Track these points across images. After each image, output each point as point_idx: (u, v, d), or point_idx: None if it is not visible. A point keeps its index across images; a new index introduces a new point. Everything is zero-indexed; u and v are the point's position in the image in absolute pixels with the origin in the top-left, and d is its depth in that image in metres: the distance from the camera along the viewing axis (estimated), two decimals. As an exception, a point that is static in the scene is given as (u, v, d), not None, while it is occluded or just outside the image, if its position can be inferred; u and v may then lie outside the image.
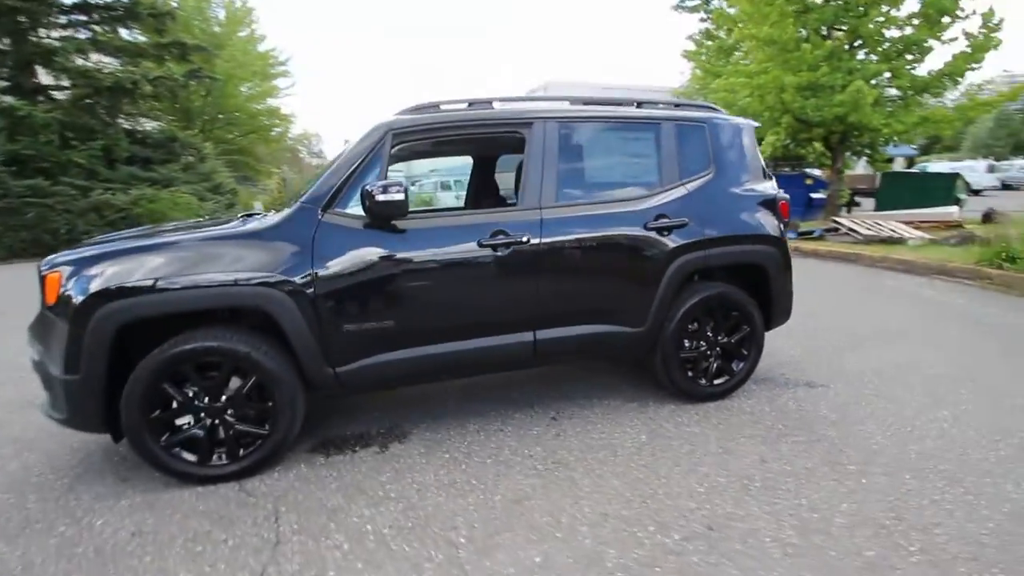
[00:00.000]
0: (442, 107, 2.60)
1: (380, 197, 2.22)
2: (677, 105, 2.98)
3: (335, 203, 2.35)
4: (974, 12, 12.23)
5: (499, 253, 2.49)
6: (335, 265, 2.28)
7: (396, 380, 2.54)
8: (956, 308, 5.13)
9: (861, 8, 11.17)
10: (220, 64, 18.76)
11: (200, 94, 19.50)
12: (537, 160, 2.61)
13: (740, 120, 3.07)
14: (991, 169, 25.89)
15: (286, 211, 2.34)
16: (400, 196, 2.23)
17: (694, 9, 14.34)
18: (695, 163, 2.89)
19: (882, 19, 12.15)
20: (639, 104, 2.93)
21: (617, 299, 2.75)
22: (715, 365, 3.02)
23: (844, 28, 12.56)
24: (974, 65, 11.64)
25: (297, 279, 2.22)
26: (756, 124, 3.14)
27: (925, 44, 11.84)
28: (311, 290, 2.24)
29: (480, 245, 2.47)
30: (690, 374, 2.97)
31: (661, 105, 2.96)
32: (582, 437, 2.66)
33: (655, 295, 2.76)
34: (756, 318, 3.03)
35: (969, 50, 12.10)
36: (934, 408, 2.91)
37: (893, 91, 12.04)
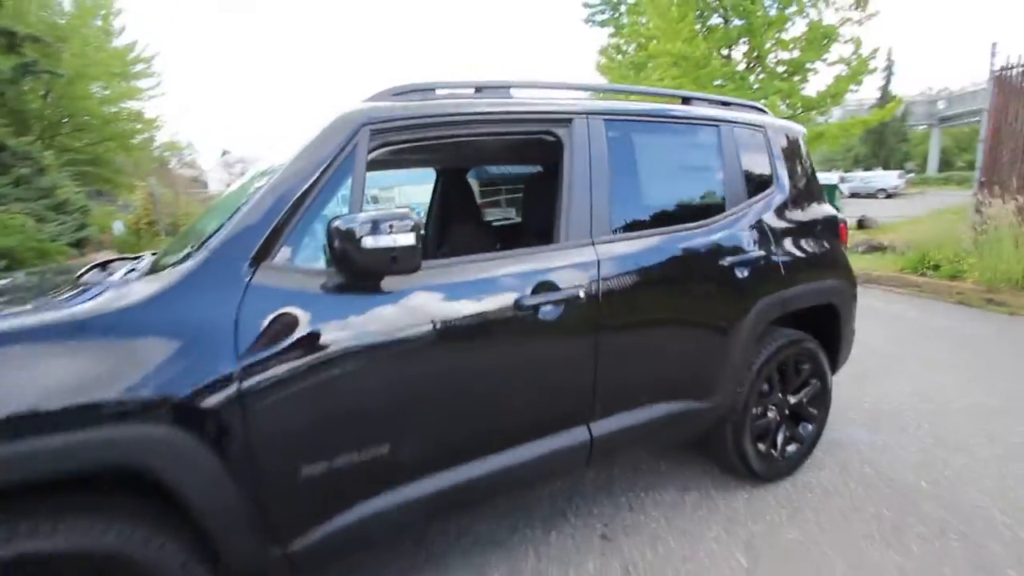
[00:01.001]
0: (439, 91, 1.68)
1: (369, 241, 1.26)
2: (726, 103, 2.31)
3: (274, 251, 1.33)
4: (850, 39, 13.45)
5: (546, 317, 1.61)
6: (283, 365, 1.25)
7: (387, 534, 1.53)
8: (914, 321, 5.06)
9: (764, 25, 11.74)
10: (66, 60, 15.63)
11: (38, 93, 16.12)
12: (583, 172, 1.78)
13: (796, 125, 2.48)
14: (841, 180, 29.59)
15: (179, 268, 1.28)
16: (410, 238, 1.29)
17: (603, 23, 14.40)
18: (758, 178, 2.23)
19: (774, 41, 12.95)
20: (685, 100, 2.21)
21: (690, 364, 1.99)
22: (784, 432, 2.37)
23: (745, 48, 13.24)
24: (854, 87, 12.79)
25: (206, 400, 1.17)
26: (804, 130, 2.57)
27: (809, 67, 12.84)
28: (235, 416, 1.20)
29: (519, 307, 1.57)
30: (761, 447, 2.29)
31: (707, 103, 2.26)
32: (656, 567, 1.85)
33: (731, 352, 2.04)
34: (827, 369, 2.44)
35: (848, 73, 13.25)
36: (1014, 457, 2.50)
37: (783, 108, 12.85)
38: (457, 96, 1.71)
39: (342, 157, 1.42)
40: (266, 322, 1.24)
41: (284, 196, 1.35)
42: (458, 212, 2.86)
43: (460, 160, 2.83)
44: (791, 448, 2.40)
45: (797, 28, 13.32)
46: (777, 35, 12.91)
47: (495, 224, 3.32)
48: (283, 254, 1.32)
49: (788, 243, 2.21)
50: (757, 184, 2.22)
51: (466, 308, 1.50)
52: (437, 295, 1.47)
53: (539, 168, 2.70)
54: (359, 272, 1.31)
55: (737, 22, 12.86)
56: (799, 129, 2.48)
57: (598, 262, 1.72)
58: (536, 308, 1.59)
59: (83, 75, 17.02)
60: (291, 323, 1.27)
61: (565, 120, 1.79)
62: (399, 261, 1.29)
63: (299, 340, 1.27)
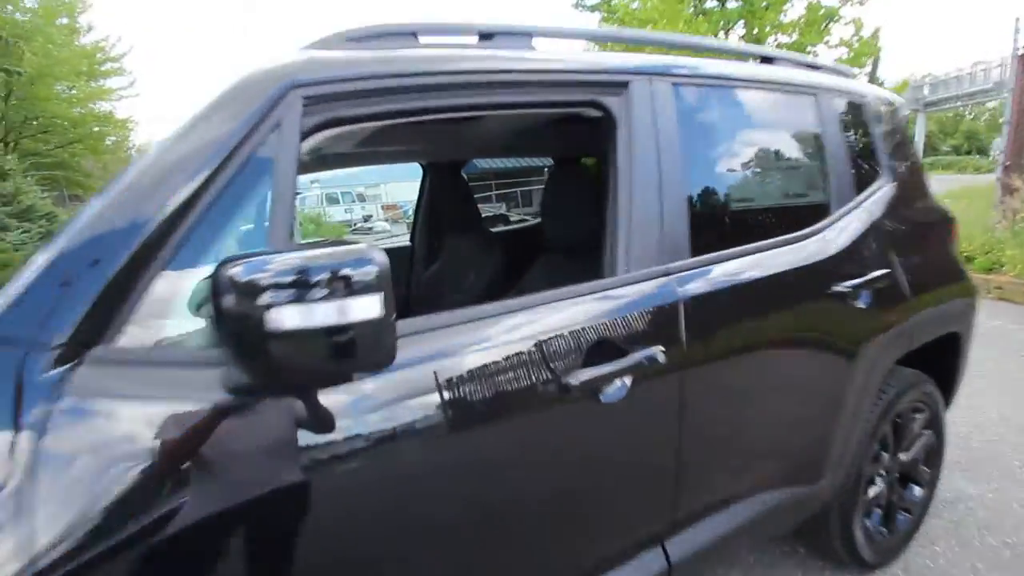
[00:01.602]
0: (423, 39, 1.04)
1: (287, 317, 0.62)
2: (814, 67, 1.70)
3: (114, 325, 0.69)
4: (850, 21, 12.95)
5: (609, 399, 1.00)
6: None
7: None
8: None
9: (764, 5, 11.20)
10: (28, 59, 14.67)
11: (-2, 94, 15.19)
12: (648, 163, 1.16)
13: (897, 97, 1.88)
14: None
15: None
16: (372, 306, 0.65)
17: (593, 8, 13.75)
18: (864, 166, 1.63)
19: (772, 25, 12.44)
20: (766, 60, 1.59)
21: (799, 434, 1.41)
22: (895, 501, 1.80)
23: (743, 32, 12.68)
24: (856, 70, 12.32)
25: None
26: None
27: (810, 50, 12.33)
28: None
29: (565, 391, 0.96)
30: (868, 525, 1.70)
31: (794, 64, 1.65)
32: None
33: (846, 410, 1.45)
34: (943, 416, 1.86)
35: (851, 55, 12.76)
36: None
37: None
38: (451, 47, 1.09)
39: (253, 143, 0.79)
40: (66, 483, 0.61)
41: (136, 219, 0.72)
42: (452, 220, 2.24)
43: (454, 149, 2.19)
44: (900, 519, 1.82)
45: (796, 11, 12.79)
46: (777, 18, 12.38)
47: (498, 231, 2.70)
48: (131, 333, 0.69)
49: (906, 254, 1.61)
50: (863, 175, 1.61)
51: (475, 406, 0.88)
52: (426, 386, 0.85)
53: (568, 157, 2.08)
54: (273, 373, 0.68)
55: (735, 3, 12.29)
56: (901, 100, 1.89)
57: (681, 304, 1.10)
58: (593, 389, 0.98)
59: (47, 75, 16.02)
60: (148, 488, 0.64)
61: (618, 84, 1.16)
62: (354, 351, 0.66)
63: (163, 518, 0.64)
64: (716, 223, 1.30)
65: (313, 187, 17.38)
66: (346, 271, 0.64)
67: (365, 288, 0.65)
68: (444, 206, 2.26)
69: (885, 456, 1.72)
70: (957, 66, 22.19)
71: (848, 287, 1.39)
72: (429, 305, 2.30)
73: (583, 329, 1.00)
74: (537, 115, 1.33)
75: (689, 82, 1.26)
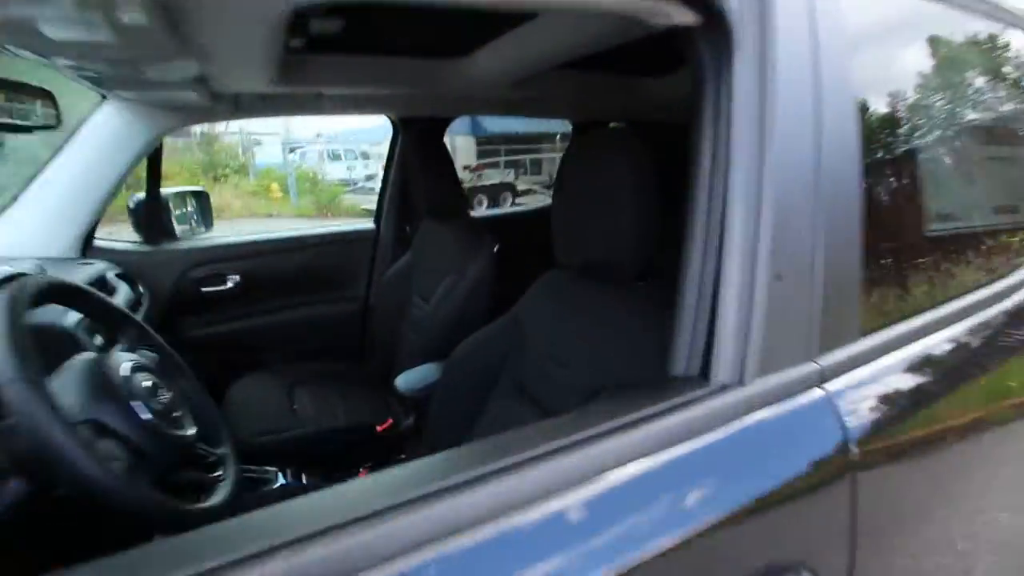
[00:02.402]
0: None
1: None
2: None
3: None
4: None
5: None
6: None
7: None
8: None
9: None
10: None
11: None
12: (803, 129, 0.52)
13: None
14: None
15: None
16: None
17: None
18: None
19: None
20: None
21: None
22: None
23: None
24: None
25: None
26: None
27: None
28: None
29: None
30: None
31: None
32: None
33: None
34: None
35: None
36: None
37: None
38: None
39: None
40: None
41: None
42: (429, 199, 1.59)
43: (434, 101, 1.53)
44: None
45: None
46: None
47: (489, 217, 2.06)
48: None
49: None
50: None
51: None
52: None
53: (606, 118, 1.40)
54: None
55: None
56: None
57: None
58: None
59: None
60: None
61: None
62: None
63: None
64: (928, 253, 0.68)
65: (318, 141, 16.55)
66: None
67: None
68: (419, 179, 1.61)
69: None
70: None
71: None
72: (390, 315, 1.70)
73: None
74: (564, 31, 0.71)
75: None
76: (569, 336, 0.94)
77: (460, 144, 15.58)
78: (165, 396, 0.71)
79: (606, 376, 0.82)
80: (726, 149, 0.55)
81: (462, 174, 12.63)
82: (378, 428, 1.36)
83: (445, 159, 1.63)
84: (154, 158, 1.58)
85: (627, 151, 0.81)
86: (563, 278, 1.03)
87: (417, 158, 1.59)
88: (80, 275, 1.30)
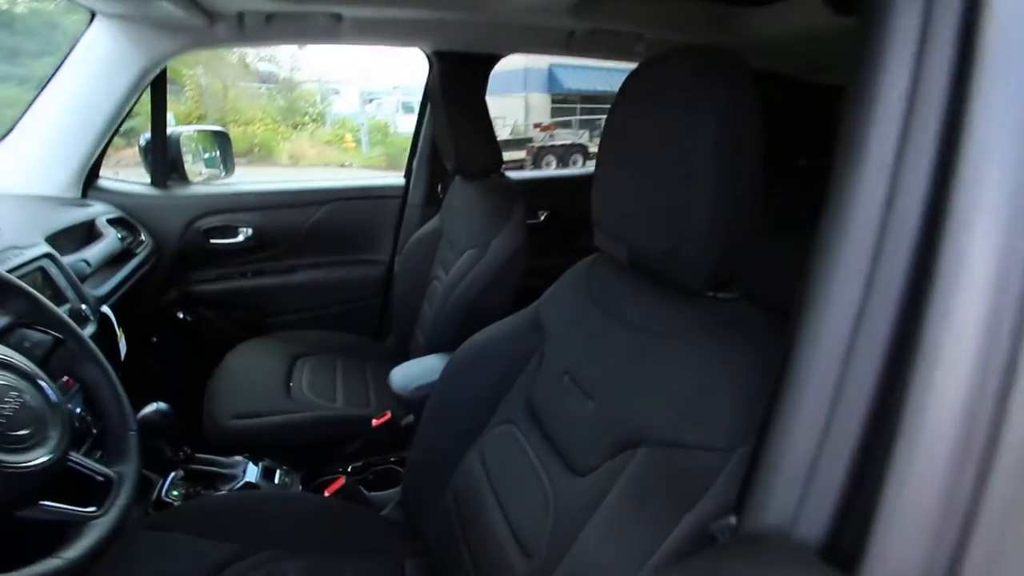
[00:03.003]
0: None
1: None
2: None
3: None
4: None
5: None
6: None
7: None
8: None
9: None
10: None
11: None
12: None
13: None
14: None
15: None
16: None
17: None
18: None
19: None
20: None
21: None
22: None
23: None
24: None
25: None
26: None
27: None
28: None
29: None
30: None
31: None
32: None
33: None
34: None
35: None
36: None
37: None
38: None
39: None
40: None
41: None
42: (462, 155, 1.31)
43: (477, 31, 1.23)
44: None
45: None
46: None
47: (528, 180, 1.76)
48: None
49: None
50: None
51: None
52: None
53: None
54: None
55: None
56: None
57: None
58: None
59: None
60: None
61: None
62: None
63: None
64: None
65: (395, 92, 16.51)
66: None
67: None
68: (448, 128, 1.32)
69: None
70: None
71: None
72: (412, 286, 1.47)
73: None
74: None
75: None
76: (600, 354, 0.66)
77: (535, 102, 15.01)
78: (9, 406, 0.51)
79: (644, 426, 0.54)
80: (944, 127, 0.25)
81: (532, 132, 12.16)
82: (374, 421, 1.15)
83: (481, 107, 1.33)
84: (159, 90, 1.40)
85: (722, 86, 0.50)
86: (604, 270, 0.74)
87: (448, 102, 1.30)
88: (66, 218, 1.16)
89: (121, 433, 0.66)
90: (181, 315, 1.55)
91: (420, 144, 1.65)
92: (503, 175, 1.30)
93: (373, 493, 1.11)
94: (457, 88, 1.31)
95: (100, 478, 0.60)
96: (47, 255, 0.90)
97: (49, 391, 0.56)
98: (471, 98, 1.32)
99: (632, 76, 0.61)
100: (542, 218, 1.84)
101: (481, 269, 1.13)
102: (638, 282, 0.66)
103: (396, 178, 1.72)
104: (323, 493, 1.02)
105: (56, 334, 0.65)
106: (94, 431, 0.69)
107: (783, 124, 1.12)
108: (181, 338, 1.56)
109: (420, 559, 0.81)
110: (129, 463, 0.64)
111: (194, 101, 14.36)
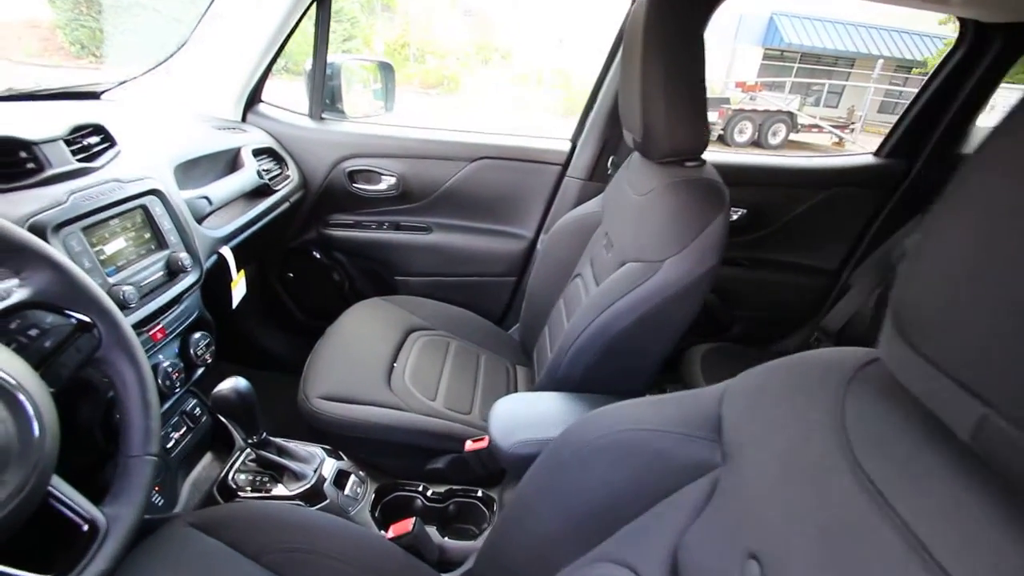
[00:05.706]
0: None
1: None
2: None
3: None
4: None
5: None
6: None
7: None
8: None
9: None
10: None
11: None
12: None
13: None
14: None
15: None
16: None
17: None
18: None
19: None
20: None
21: None
22: None
23: None
24: None
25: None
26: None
27: None
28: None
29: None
30: None
31: None
32: None
33: None
34: None
35: None
36: None
37: None
38: None
39: None
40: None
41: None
42: (645, 128, 0.95)
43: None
44: None
45: None
46: None
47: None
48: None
49: None
50: None
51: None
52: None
53: None
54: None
55: None
56: None
57: None
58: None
59: None
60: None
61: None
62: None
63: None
64: None
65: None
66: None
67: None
68: (650, 88, 0.94)
69: None
70: None
71: None
72: (553, 276, 1.20)
73: None
74: None
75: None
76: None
77: (742, 54, 13.09)
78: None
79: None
80: None
81: (730, 92, 10.63)
82: (468, 445, 0.94)
83: (694, 63, 0.91)
84: (323, 12, 1.26)
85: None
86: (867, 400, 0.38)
87: (650, 48, 0.93)
88: (209, 143, 1.10)
89: (136, 455, 0.51)
90: (317, 255, 1.49)
91: (598, 103, 1.32)
92: (704, 164, 0.92)
93: (447, 540, 0.92)
94: (668, 30, 0.92)
95: (83, 526, 0.46)
96: (152, 191, 0.80)
97: (30, 415, 0.42)
98: (683, 45, 0.93)
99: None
100: (735, 217, 1.41)
101: (645, 293, 0.81)
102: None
103: (561, 140, 1.42)
104: (387, 529, 0.85)
105: (82, 316, 0.51)
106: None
107: None
108: (316, 277, 1.51)
109: None
110: (130, 503, 0.49)
111: (402, 29, 15.28)
